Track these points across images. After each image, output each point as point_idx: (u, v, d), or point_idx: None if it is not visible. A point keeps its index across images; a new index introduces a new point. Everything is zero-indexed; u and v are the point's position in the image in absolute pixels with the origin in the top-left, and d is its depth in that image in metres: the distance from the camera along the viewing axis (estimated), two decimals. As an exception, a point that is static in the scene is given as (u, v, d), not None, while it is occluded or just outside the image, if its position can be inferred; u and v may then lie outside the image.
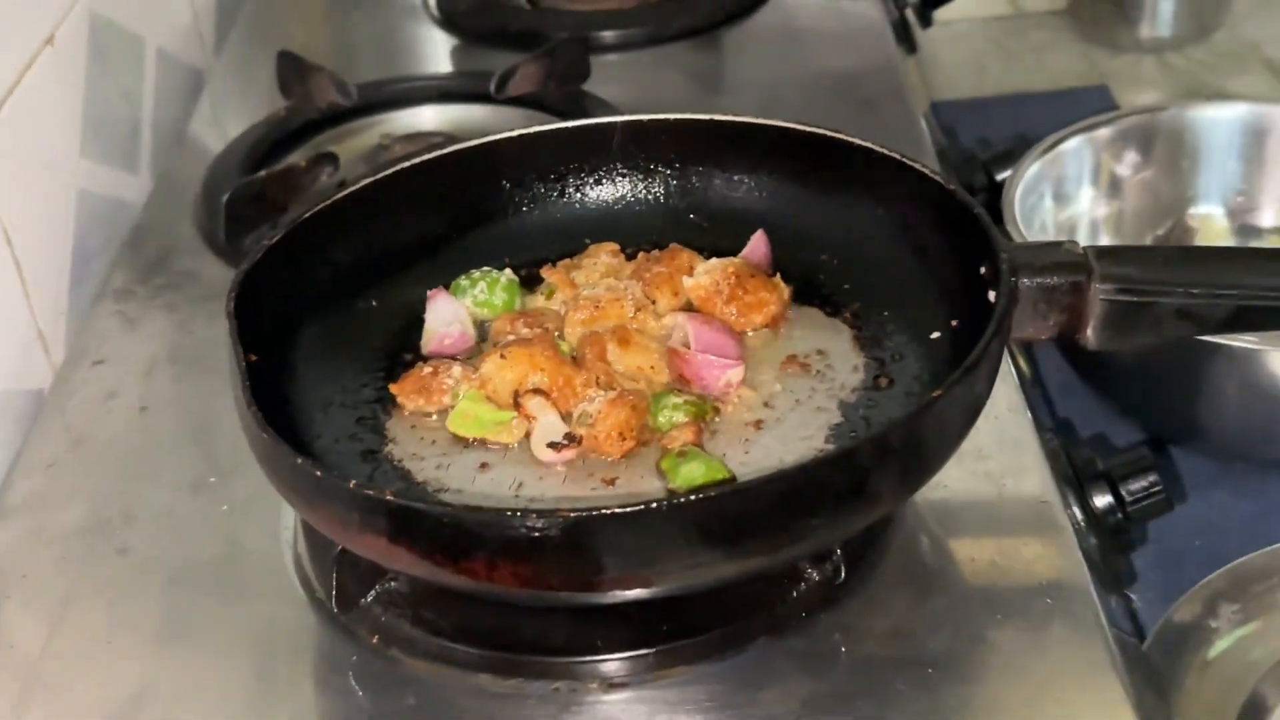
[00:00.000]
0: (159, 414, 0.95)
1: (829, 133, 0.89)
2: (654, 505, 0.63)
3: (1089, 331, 0.75)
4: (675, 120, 0.94)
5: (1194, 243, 1.22)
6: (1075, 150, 1.17)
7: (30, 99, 1.02)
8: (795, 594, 0.75)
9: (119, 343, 1.02)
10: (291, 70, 1.26)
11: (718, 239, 0.91)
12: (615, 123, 0.94)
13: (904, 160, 0.84)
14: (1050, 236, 1.14)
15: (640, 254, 0.90)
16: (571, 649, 0.74)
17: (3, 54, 1.00)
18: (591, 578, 0.65)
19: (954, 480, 0.81)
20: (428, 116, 1.26)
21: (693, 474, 0.74)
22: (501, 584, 0.66)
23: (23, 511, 0.87)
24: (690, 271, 0.87)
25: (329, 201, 0.87)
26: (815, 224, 0.90)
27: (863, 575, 0.77)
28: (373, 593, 0.77)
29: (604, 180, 0.95)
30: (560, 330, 0.85)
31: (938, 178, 0.82)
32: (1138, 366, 1.05)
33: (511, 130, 0.94)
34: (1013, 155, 1.19)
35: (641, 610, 0.74)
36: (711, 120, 0.93)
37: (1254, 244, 1.27)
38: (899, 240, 0.86)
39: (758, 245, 0.89)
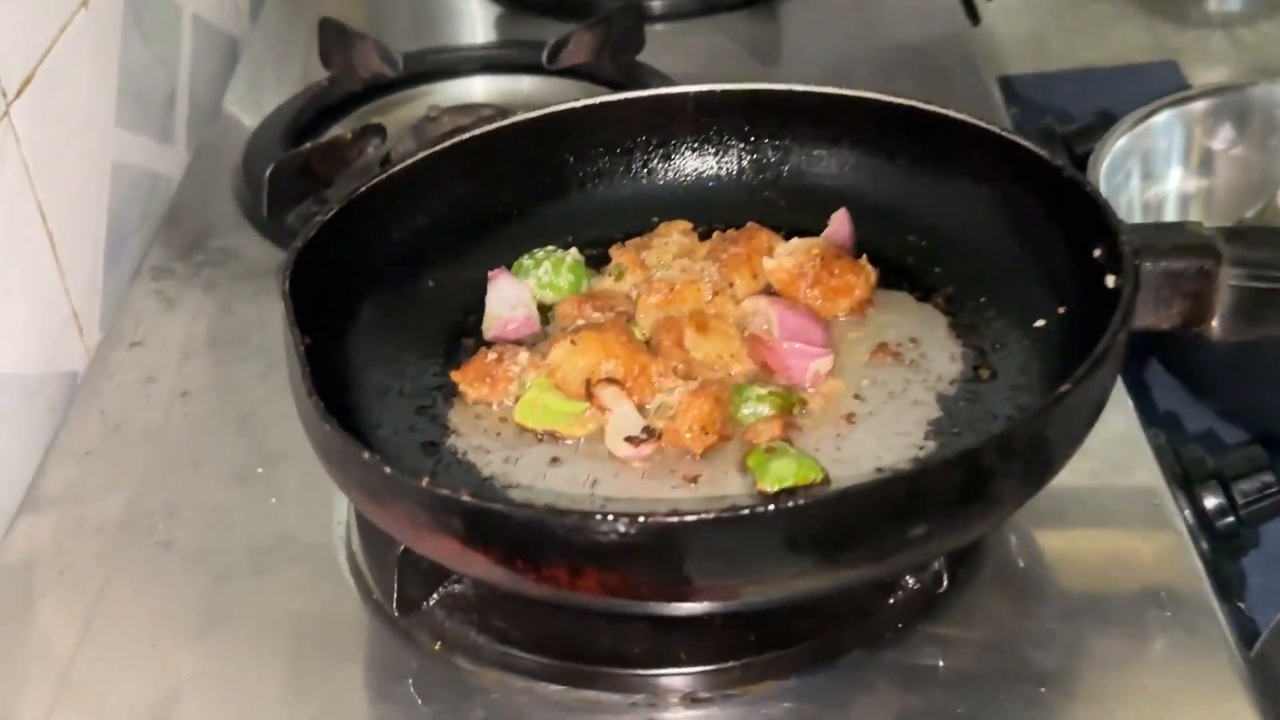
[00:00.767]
0: (200, 399, 0.90)
1: (920, 104, 0.83)
2: (756, 509, 0.58)
3: (1215, 321, 0.70)
4: (750, 90, 0.88)
5: (1285, 224, 1.16)
6: (1165, 125, 1.11)
7: (65, 64, 0.96)
8: (891, 603, 0.70)
9: (157, 323, 0.97)
10: (334, 39, 1.20)
11: (796, 218, 0.85)
12: (687, 93, 0.89)
13: (1005, 134, 0.79)
14: (1137, 215, 1.08)
15: (715, 233, 0.84)
16: (652, 660, 0.69)
17: (37, 15, 0.94)
18: (681, 587, 0.60)
19: (1058, 479, 0.75)
20: (477, 88, 1.21)
21: (783, 472, 0.69)
22: (585, 592, 0.60)
23: (59, 502, 0.82)
24: (770, 252, 0.81)
25: (386, 174, 0.82)
26: (902, 203, 0.85)
27: (962, 583, 0.72)
28: (436, 595, 0.72)
29: (674, 155, 0.90)
30: (632, 314, 0.79)
31: (1044, 153, 0.76)
32: (1242, 359, 0.98)
33: (576, 101, 0.88)
34: (1095, 131, 1.13)
35: (727, 620, 0.69)
36: (789, 91, 0.88)
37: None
38: (997, 220, 0.81)
39: (841, 225, 0.84)
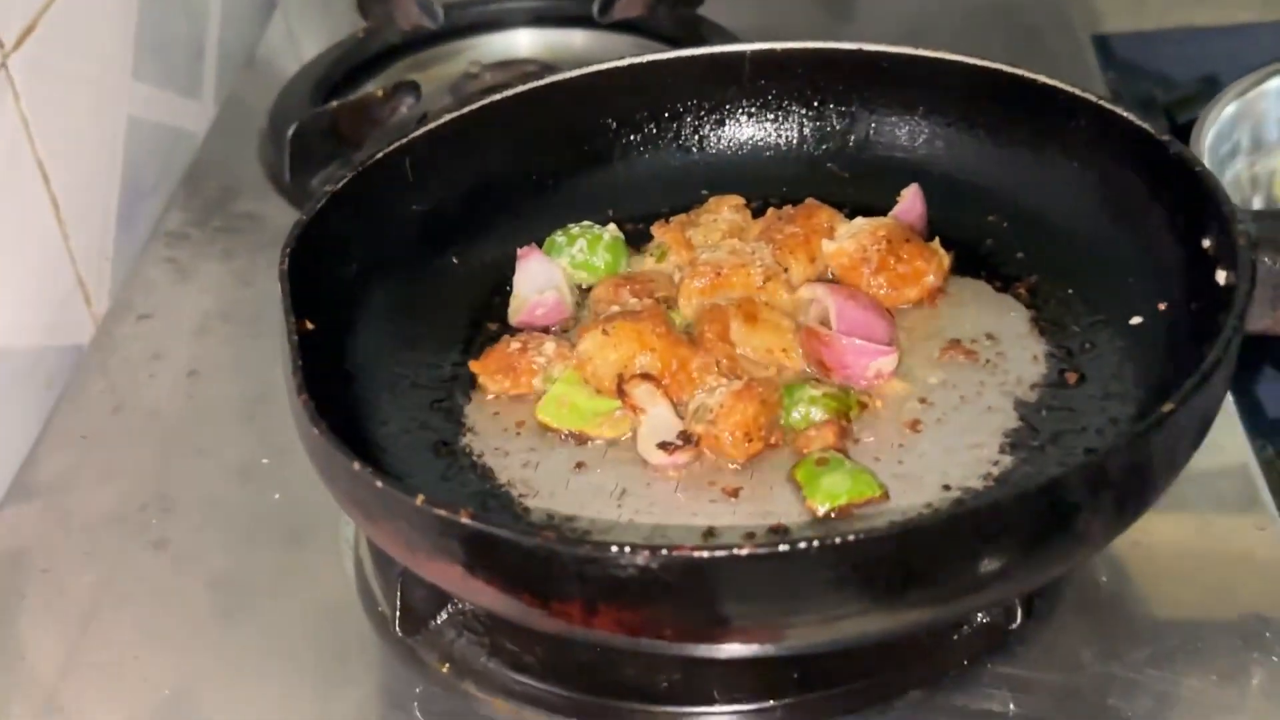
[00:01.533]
0: (209, 380, 0.83)
1: (1004, 67, 0.75)
2: (799, 546, 0.49)
3: (1343, 326, 0.60)
4: (814, 50, 0.81)
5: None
6: (1277, 92, 1.00)
7: (73, 10, 0.89)
8: (957, 638, 0.62)
9: (168, 295, 0.90)
10: (372, -14, 1.12)
11: (861, 194, 0.78)
12: (743, 52, 0.81)
13: (1103, 103, 0.70)
14: (1245, 192, 0.98)
15: (769, 210, 0.77)
16: (681, 697, 0.62)
17: (41, -41, 0.87)
18: (710, 630, 0.52)
19: (1150, 499, 0.67)
20: (522, 41, 1.14)
21: (836, 489, 0.61)
22: (602, 630, 0.53)
23: (49, 491, 0.76)
24: (830, 233, 0.74)
25: (404, 140, 0.75)
26: (982, 179, 0.77)
27: (1038, 616, 0.64)
28: (444, 614, 0.65)
29: (727, 121, 0.82)
30: (673, 300, 0.71)
31: (1148, 126, 0.67)
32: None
33: (620, 59, 0.81)
34: (1199, 98, 1.03)
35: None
36: (858, 50, 0.80)
37: None
38: (1089, 200, 0.73)
39: (912, 203, 0.76)
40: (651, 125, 0.82)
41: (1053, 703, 0.61)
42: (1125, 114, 0.68)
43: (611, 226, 0.77)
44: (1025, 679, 0.62)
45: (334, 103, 1.00)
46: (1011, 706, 0.61)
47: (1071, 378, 0.66)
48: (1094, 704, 0.61)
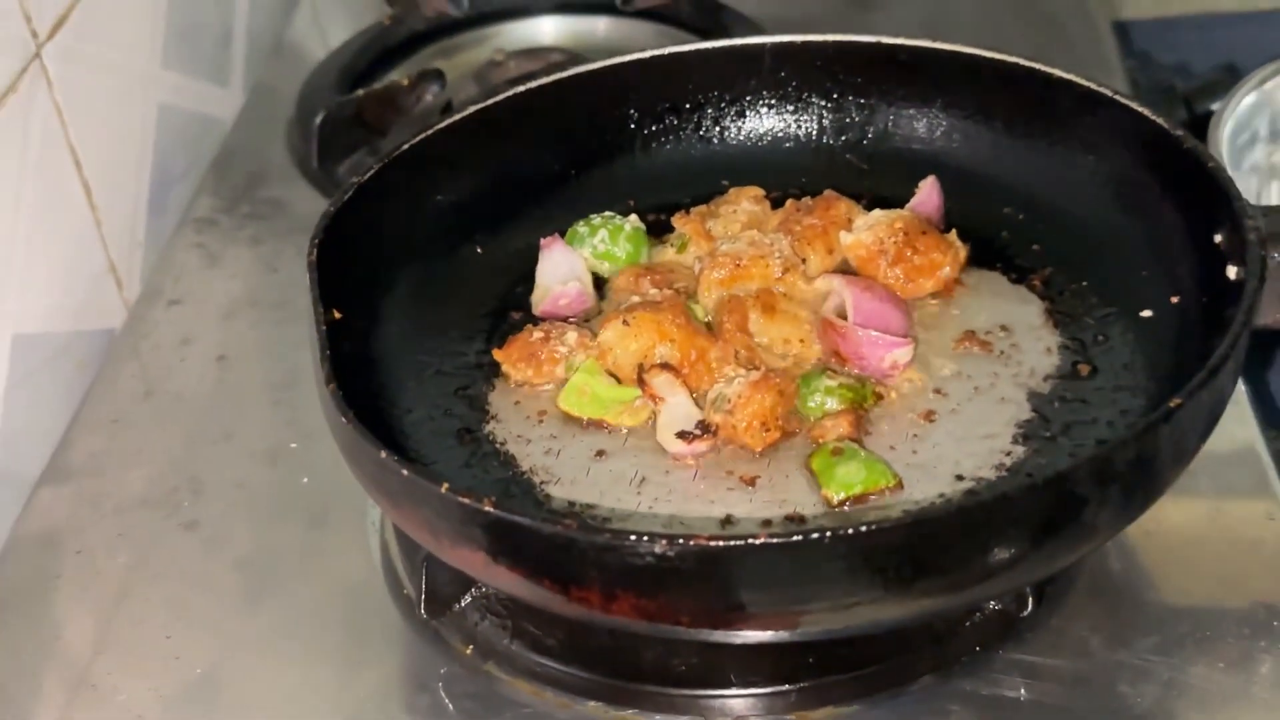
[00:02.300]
0: (238, 364, 0.85)
1: (1022, 61, 0.75)
2: (812, 536, 0.51)
3: (1353, 322, 0.61)
4: (834, 42, 0.81)
5: None
6: (1298, 81, 1.00)
7: (105, 1, 0.91)
8: (968, 625, 0.63)
9: (198, 280, 0.92)
10: (398, -28, 1.13)
11: (880, 186, 0.79)
12: (764, 44, 0.82)
13: (1117, 97, 0.70)
14: (1263, 183, 0.98)
15: (788, 201, 0.78)
16: (699, 680, 0.63)
17: (73, -49, 0.89)
18: (726, 616, 0.54)
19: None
20: (546, 29, 1.14)
21: (851, 478, 0.62)
22: (620, 616, 0.54)
23: (82, 475, 0.78)
24: (848, 225, 0.75)
25: (430, 131, 0.76)
26: (999, 171, 0.78)
27: (1050, 604, 0.65)
28: (468, 597, 0.67)
29: (748, 112, 0.83)
30: (693, 291, 0.72)
31: (1161, 120, 0.68)
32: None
33: (642, 51, 0.82)
34: (1219, 86, 1.03)
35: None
36: (877, 43, 0.80)
37: None
38: (1105, 194, 0.73)
39: (929, 195, 0.77)
40: (673, 117, 0.82)
41: (1062, 689, 0.62)
42: (1140, 108, 0.69)
43: (633, 217, 0.78)
44: (1035, 665, 0.63)
45: (360, 91, 1.01)
46: (1022, 692, 0.62)
47: (1084, 369, 0.67)
48: (1103, 690, 0.62)
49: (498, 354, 0.71)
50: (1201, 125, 1.00)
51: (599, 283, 0.76)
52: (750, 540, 0.51)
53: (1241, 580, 0.67)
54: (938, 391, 0.67)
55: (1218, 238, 0.64)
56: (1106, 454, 0.53)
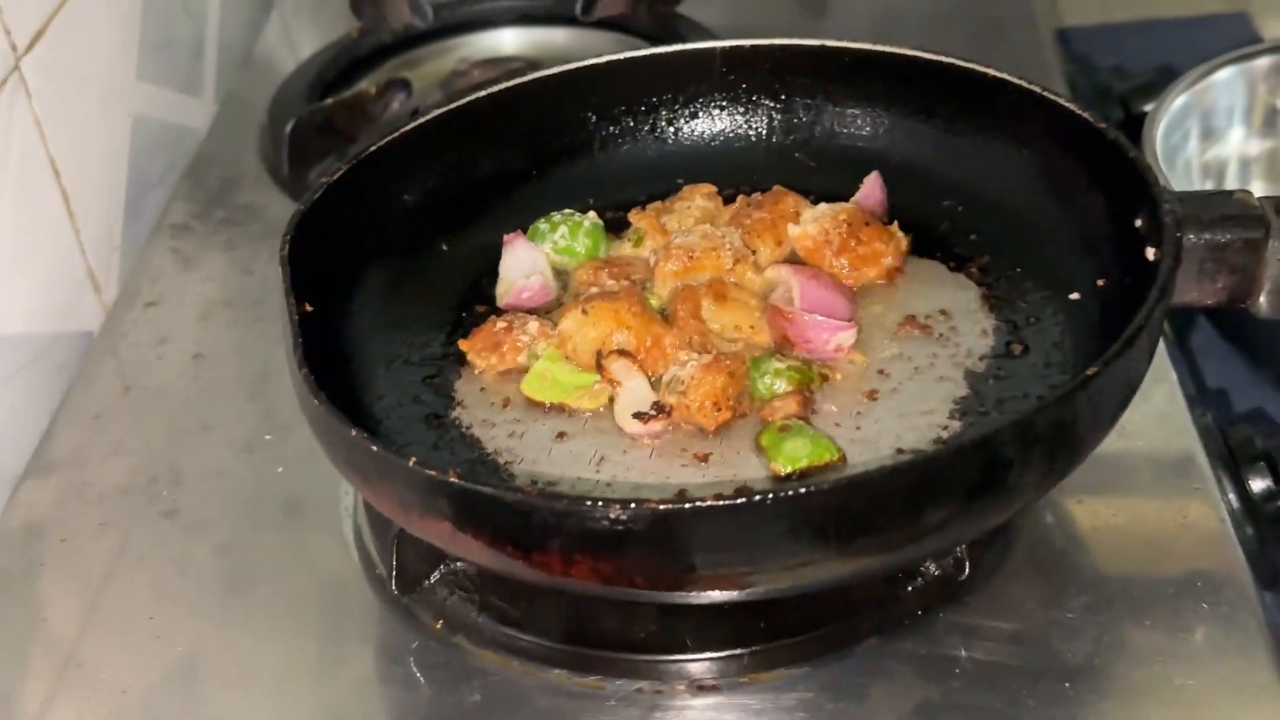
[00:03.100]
0: (213, 362, 0.88)
1: (958, 62, 0.79)
2: (755, 499, 0.54)
3: (1262, 297, 0.65)
4: (781, 46, 0.84)
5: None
6: (1227, 83, 1.04)
7: (81, 15, 0.94)
8: (910, 590, 0.67)
9: (173, 283, 0.95)
10: (364, -13, 1.17)
11: (826, 181, 0.82)
12: (714, 48, 0.85)
13: (1046, 95, 0.74)
14: (1195, 179, 1.03)
15: (740, 197, 0.81)
16: (658, 646, 0.66)
17: (50, -33, 0.92)
18: (681, 577, 0.57)
19: (1092, 461, 0.71)
20: (508, 40, 1.18)
21: (797, 452, 0.65)
22: (579, 579, 0.58)
23: (65, 466, 0.81)
24: (796, 218, 0.78)
25: (396, 134, 0.79)
26: (938, 165, 0.81)
27: (987, 569, 0.68)
28: (437, 573, 0.70)
29: (700, 114, 0.86)
30: (649, 282, 0.76)
31: (1087, 115, 0.72)
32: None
33: (599, 56, 0.85)
34: (1154, 88, 1.08)
35: (736, 606, 0.66)
36: (822, 46, 0.83)
37: None
38: (1036, 185, 0.77)
39: (872, 189, 0.80)
40: (629, 118, 0.85)
41: (999, 648, 0.65)
42: (1065, 103, 0.73)
43: (591, 214, 0.81)
44: (975, 626, 0.66)
45: (329, 99, 1.04)
46: (962, 651, 0.66)
47: (1016, 349, 0.71)
48: (1038, 648, 0.65)
49: (463, 344, 0.74)
50: (1137, 125, 1.05)
51: (562, 277, 0.79)
52: (698, 503, 0.54)
53: (1168, 546, 0.70)
54: (880, 372, 0.71)
55: (1138, 222, 0.67)
56: (1028, 418, 0.57)
